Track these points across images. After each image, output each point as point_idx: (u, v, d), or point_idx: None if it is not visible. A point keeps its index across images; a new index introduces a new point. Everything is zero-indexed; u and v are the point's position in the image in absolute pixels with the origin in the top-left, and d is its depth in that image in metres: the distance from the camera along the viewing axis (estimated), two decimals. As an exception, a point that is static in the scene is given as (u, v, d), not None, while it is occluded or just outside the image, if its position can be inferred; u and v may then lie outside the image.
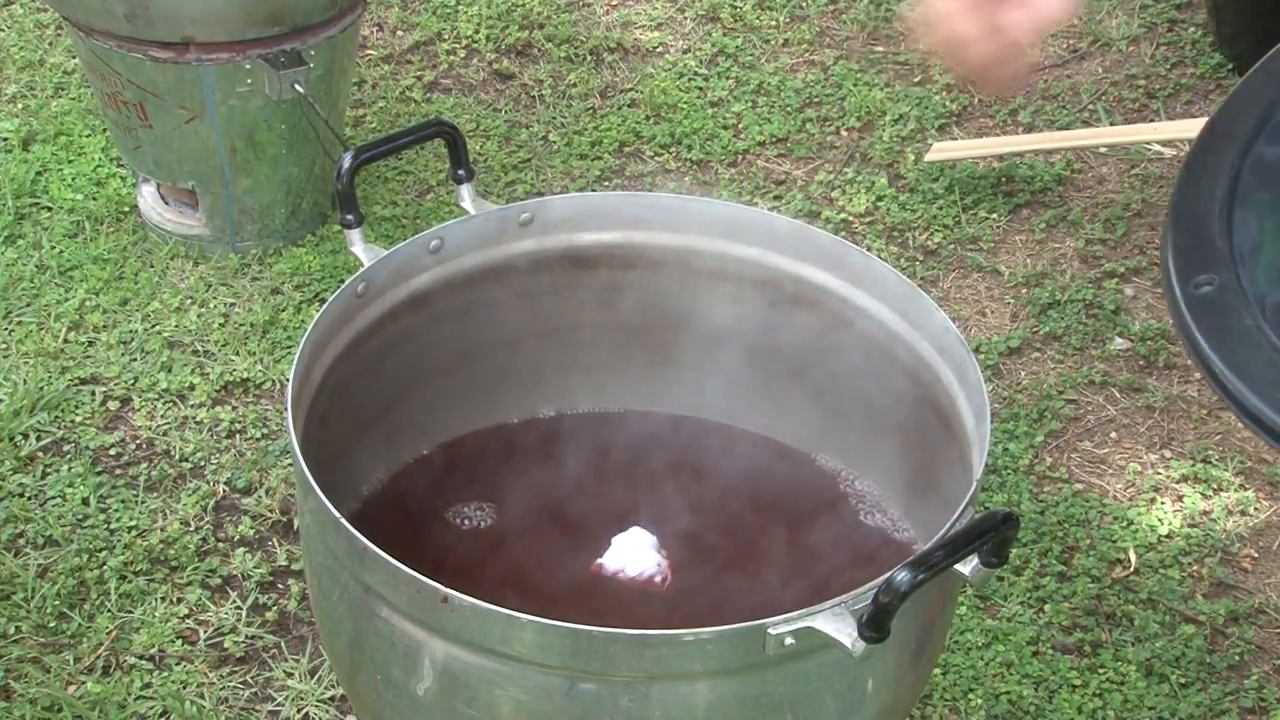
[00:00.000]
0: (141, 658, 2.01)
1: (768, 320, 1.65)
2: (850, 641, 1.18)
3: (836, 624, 1.19)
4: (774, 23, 3.32)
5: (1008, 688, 2.00)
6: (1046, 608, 2.11)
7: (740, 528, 1.63)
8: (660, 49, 3.24)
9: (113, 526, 2.17)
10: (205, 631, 2.05)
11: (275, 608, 2.08)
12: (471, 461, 1.69)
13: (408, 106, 3.04)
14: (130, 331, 2.49)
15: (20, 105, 3.00)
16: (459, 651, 1.26)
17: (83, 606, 2.07)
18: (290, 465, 2.08)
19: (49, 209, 2.74)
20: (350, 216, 1.54)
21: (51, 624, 2.05)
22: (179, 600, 2.09)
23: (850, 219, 2.81)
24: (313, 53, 2.47)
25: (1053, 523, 2.23)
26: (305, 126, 2.57)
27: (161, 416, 2.35)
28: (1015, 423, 2.39)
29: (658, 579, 1.55)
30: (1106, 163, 2.96)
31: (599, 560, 1.56)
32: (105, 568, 2.11)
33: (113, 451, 2.29)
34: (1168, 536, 2.23)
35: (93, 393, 2.38)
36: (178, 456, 2.29)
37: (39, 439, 2.30)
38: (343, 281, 1.67)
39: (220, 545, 2.16)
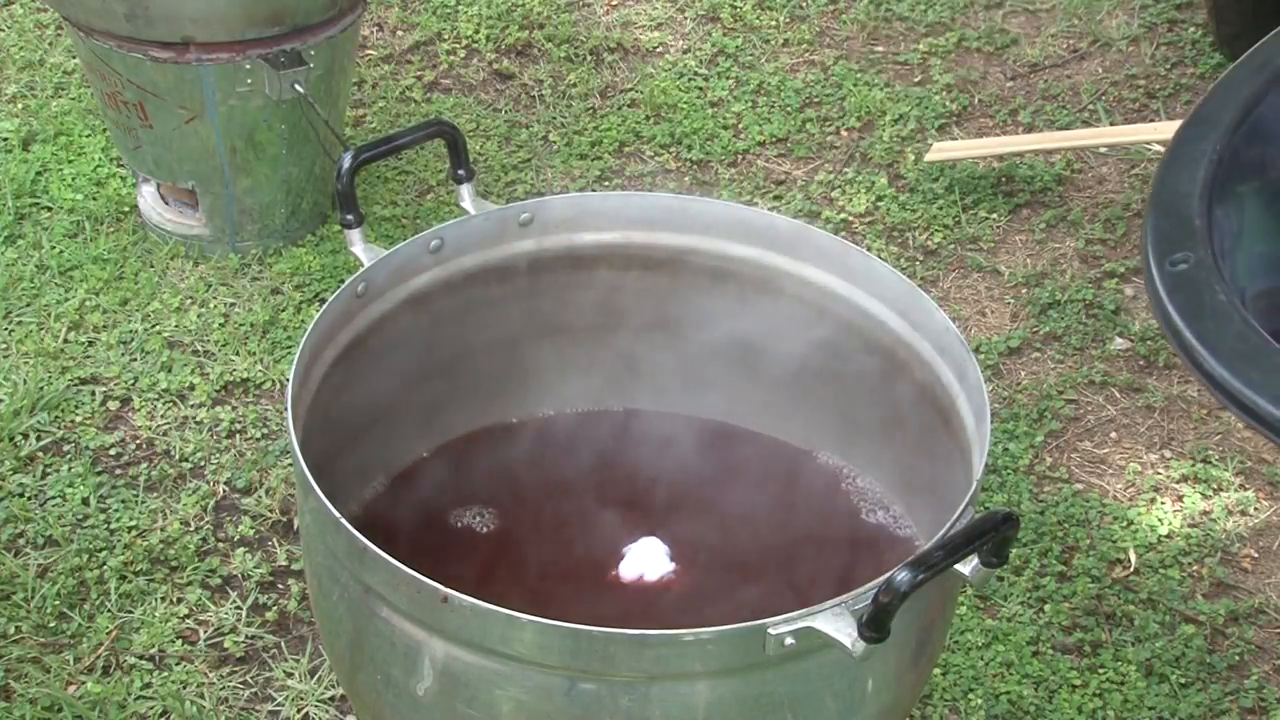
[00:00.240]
0: (141, 658, 2.01)
1: (768, 320, 1.65)
2: (850, 641, 1.18)
3: (836, 624, 1.19)
4: (774, 23, 3.32)
5: (1008, 688, 2.00)
6: (1046, 608, 2.11)
7: (741, 526, 1.63)
8: (660, 49, 3.24)
9: (113, 526, 2.17)
10: (205, 631, 2.05)
11: (275, 608, 2.08)
12: (471, 461, 1.69)
13: (408, 106, 3.04)
14: (130, 331, 2.49)
15: (20, 105, 3.00)
16: (459, 651, 1.26)
17: (83, 606, 2.07)
18: (290, 465, 2.08)
19: (49, 209, 2.74)
20: (350, 216, 1.54)
21: (51, 624, 2.05)
22: (179, 600, 2.09)
23: (850, 219, 2.81)
24: (313, 53, 2.47)
25: (1053, 523, 2.23)
26: (305, 126, 2.57)
27: (161, 416, 2.35)
28: (1015, 423, 2.39)
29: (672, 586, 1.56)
30: (1106, 163, 2.96)
31: (615, 571, 1.56)
32: (105, 568, 2.11)
33: (113, 451, 2.29)
34: (1168, 536, 2.23)
35: (93, 393, 2.38)
36: (178, 456, 2.29)
37: (39, 439, 2.30)
38: (343, 281, 1.67)
39: (220, 545, 2.16)
